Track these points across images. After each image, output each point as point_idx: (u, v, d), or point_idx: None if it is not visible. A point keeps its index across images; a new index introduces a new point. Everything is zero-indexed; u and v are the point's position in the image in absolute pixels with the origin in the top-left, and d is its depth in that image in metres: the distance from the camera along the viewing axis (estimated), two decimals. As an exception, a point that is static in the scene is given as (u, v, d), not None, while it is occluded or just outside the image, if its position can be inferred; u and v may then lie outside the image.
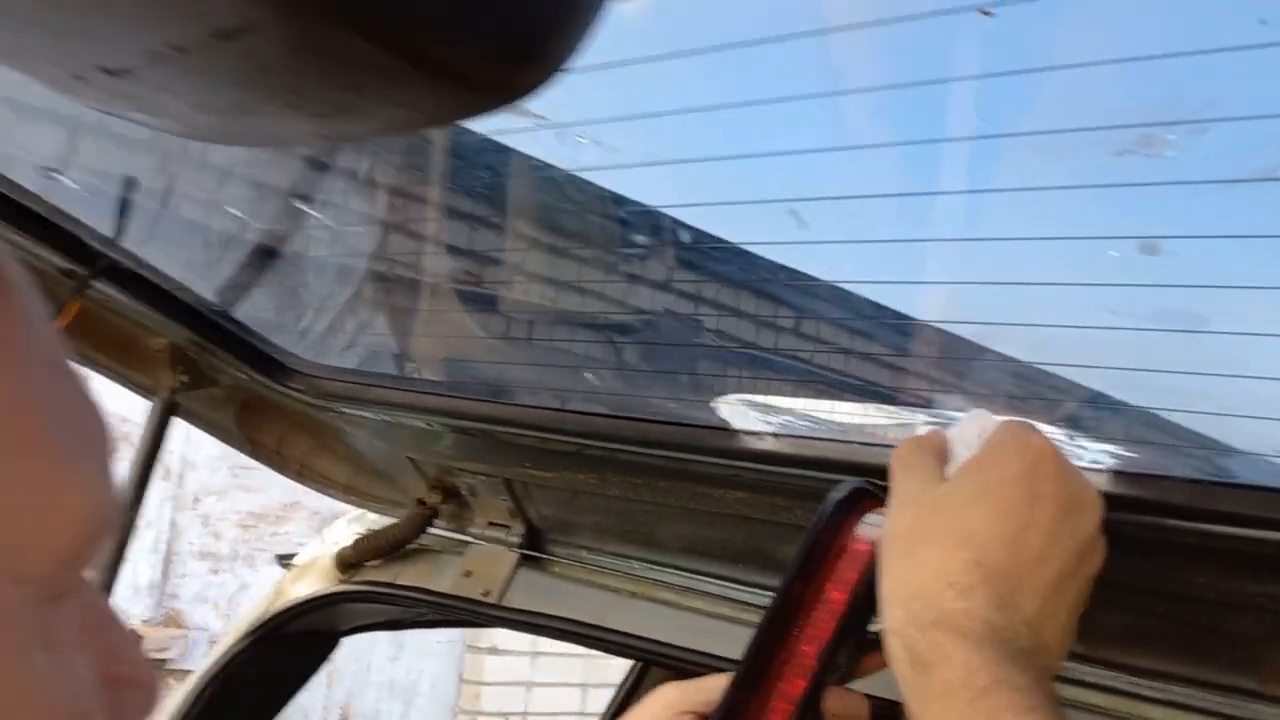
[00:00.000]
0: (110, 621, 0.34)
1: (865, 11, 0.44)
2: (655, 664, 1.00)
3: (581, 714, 4.94)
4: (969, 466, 0.66)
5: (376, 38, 0.34)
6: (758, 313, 0.83)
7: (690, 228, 0.77)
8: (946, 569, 0.62)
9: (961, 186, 0.53)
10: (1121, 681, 0.84)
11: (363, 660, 4.91)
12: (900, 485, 0.68)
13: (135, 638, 0.36)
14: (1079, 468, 0.68)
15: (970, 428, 0.70)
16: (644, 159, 0.60)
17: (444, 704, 5.06)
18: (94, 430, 0.32)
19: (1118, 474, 0.72)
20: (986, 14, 0.42)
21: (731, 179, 0.60)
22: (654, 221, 0.81)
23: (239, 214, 0.89)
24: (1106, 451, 0.69)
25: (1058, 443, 0.68)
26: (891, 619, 0.63)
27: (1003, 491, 0.63)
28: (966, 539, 0.62)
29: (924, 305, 0.66)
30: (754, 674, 0.73)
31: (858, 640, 0.75)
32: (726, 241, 0.78)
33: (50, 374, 0.31)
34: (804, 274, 0.75)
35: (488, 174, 0.97)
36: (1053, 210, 0.51)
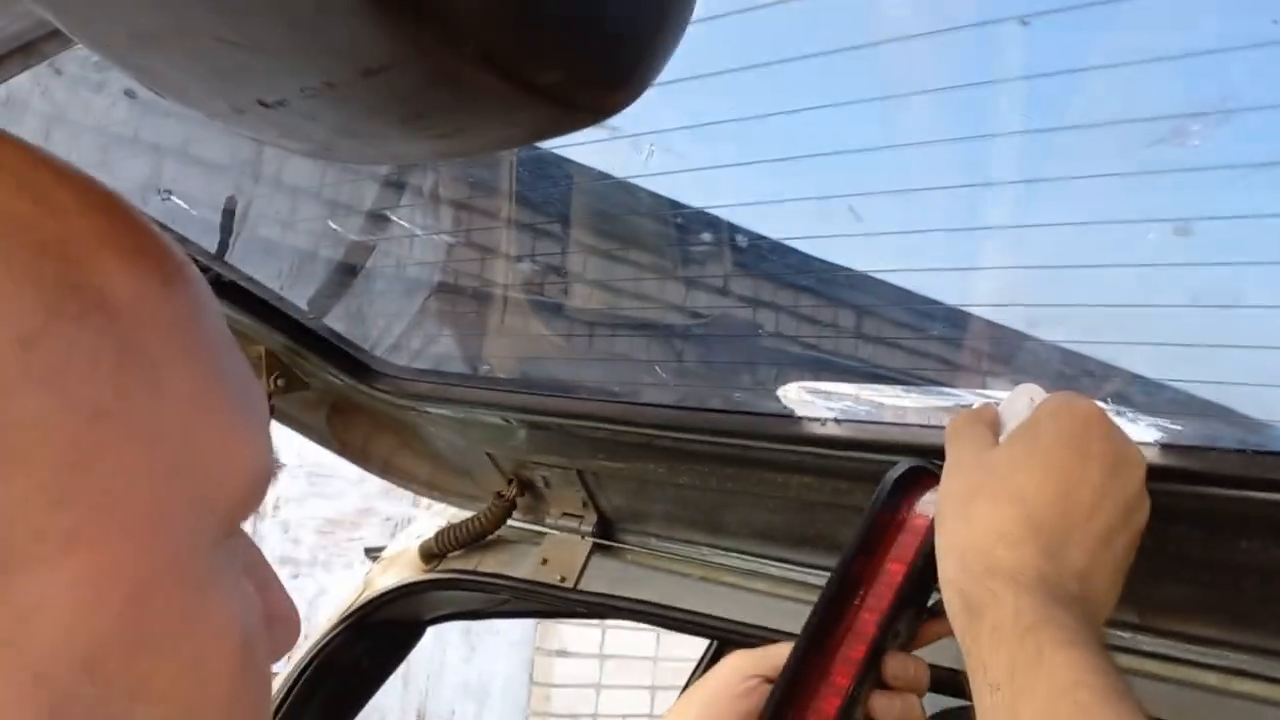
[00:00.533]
0: (263, 563, 0.40)
1: (921, 24, 0.49)
2: (724, 640, 1.04)
3: (650, 716, 5.00)
4: (1020, 431, 0.70)
5: (499, 69, 0.40)
6: (815, 306, 0.87)
7: (746, 231, 0.82)
8: (998, 524, 0.65)
9: (1009, 178, 0.57)
10: (1176, 649, 0.87)
11: (436, 662, 5.01)
12: (954, 452, 0.72)
13: (279, 580, 0.42)
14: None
15: (1020, 400, 0.74)
16: (709, 163, 0.66)
17: (515, 705, 5.14)
18: (256, 398, 0.38)
19: (1164, 447, 0.75)
20: (1024, 23, 0.46)
21: (789, 179, 0.65)
22: (713, 222, 0.86)
23: (335, 227, 0.96)
24: (1153, 425, 0.73)
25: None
26: (946, 571, 0.67)
27: (1053, 452, 0.67)
28: (1018, 496, 0.66)
29: (975, 292, 0.71)
30: (817, 640, 0.77)
31: (917, 610, 0.80)
32: (771, 239, 0.83)
33: (224, 347, 0.37)
34: (844, 268, 0.80)
35: (552, 186, 1.03)
36: (1094, 198, 0.56)
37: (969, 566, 0.65)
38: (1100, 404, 0.73)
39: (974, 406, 0.77)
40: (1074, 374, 0.69)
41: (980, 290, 0.70)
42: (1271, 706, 0.81)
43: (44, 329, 0.28)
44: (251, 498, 0.36)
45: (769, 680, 0.79)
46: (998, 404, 0.76)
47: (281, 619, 0.39)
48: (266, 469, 0.37)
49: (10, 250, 0.29)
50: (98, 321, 0.30)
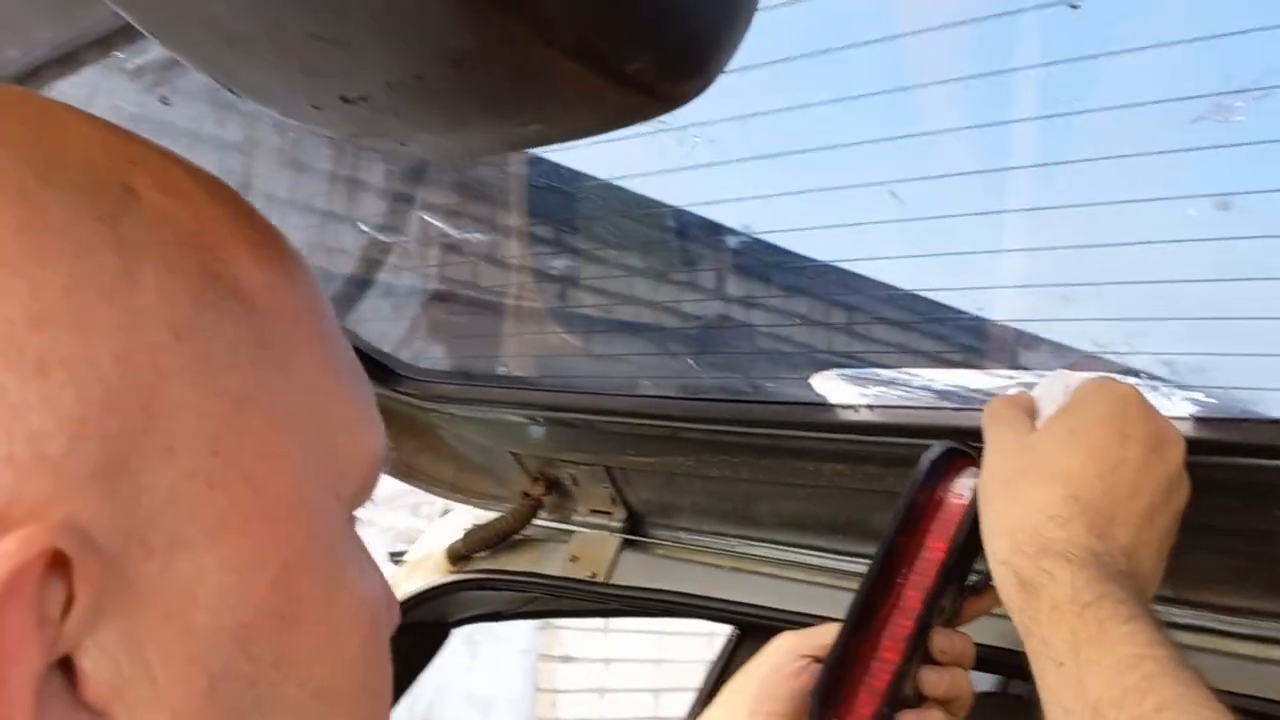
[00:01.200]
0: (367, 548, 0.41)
1: (974, 8, 0.51)
2: (760, 627, 1.05)
3: (654, 717, 5.01)
4: (1061, 414, 0.72)
5: (589, 57, 0.42)
6: (844, 294, 0.89)
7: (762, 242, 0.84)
8: (1046, 504, 0.67)
9: (1048, 159, 0.59)
10: (1209, 620, 0.89)
11: (442, 672, 5.01)
12: (995, 435, 0.74)
13: None
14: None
15: (1055, 385, 0.76)
16: (752, 153, 0.67)
17: (521, 713, 5.14)
18: (366, 383, 0.39)
19: (1198, 420, 0.77)
20: (1074, 6, 0.48)
21: (830, 167, 0.67)
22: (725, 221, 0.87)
23: (365, 228, 0.97)
24: (1187, 399, 0.75)
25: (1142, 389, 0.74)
26: (998, 550, 0.69)
27: (1094, 433, 0.68)
28: (1063, 476, 0.67)
29: (1011, 273, 0.72)
30: (864, 618, 0.79)
31: (959, 587, 0.81)
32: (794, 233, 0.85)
33: (338, 335, 0.38)
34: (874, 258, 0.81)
35: (563, 198, 1.04)
36: (1136, 176, 0.57)
37: (1021, 546, 0.66)
38: (1136, 383, 0.74)
39: (1009, 392, 0.78)
40: (1105, 351, 0.70)
41: (1017, 271, 0.72)
42: (1309, 672, 0.83)
43: (193, 319, 0.29)
44: (371, 480, 0.37)
45: (818, 660, 0.80)
46: (1032, 389, 0.78)
47: (389, 602, 0.40)
48: (383, 452, 0.38)
49: (156, 243, 0.30)
50: (236, 311, 0.31)
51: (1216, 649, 0.89)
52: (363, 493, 0.37)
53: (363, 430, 0.36)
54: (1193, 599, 0.90)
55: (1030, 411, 0.76)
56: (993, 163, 0.62)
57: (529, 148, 0.49)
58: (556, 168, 0.97)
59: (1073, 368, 0.80)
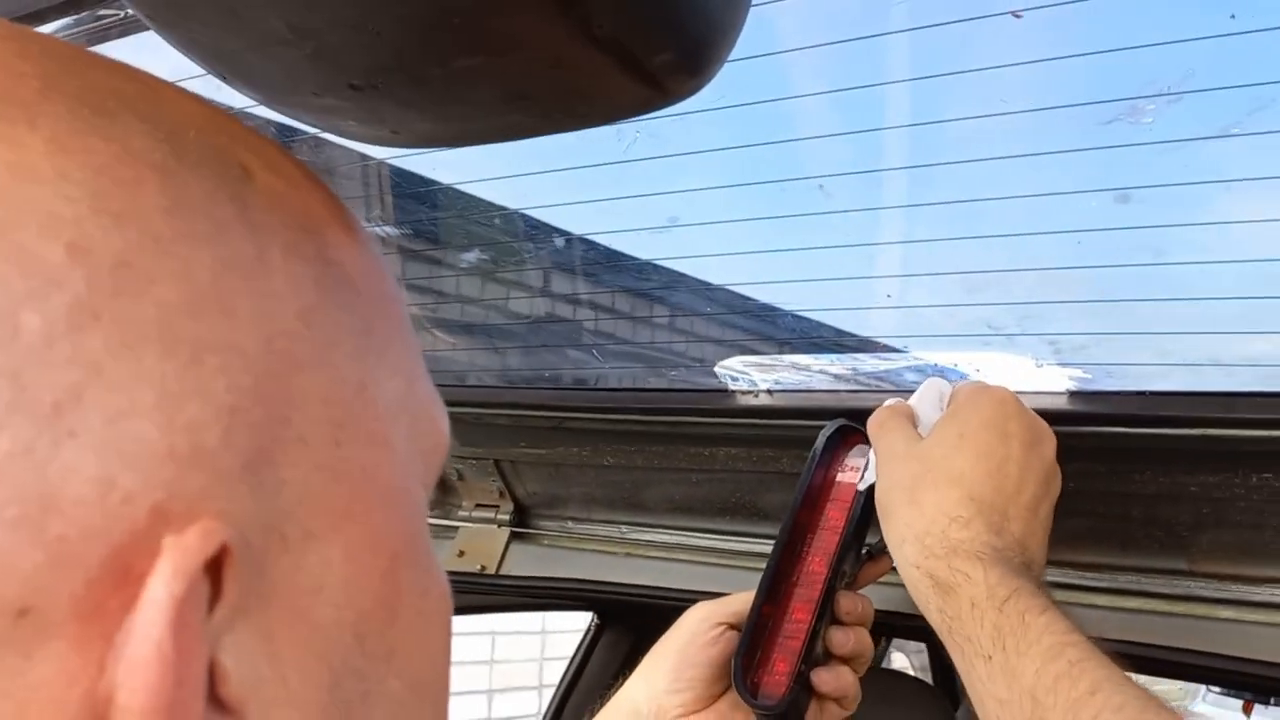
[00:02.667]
0: None
1: (909, 19, 0.55)
2: (660, 606, 1.08)
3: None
4: (946, 421, 0.77)
5: (619, 50, 0.44)
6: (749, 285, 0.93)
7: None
8: (947, 507, 0.72)
9: (974, 156, 0.65)
10: (1071, 576, 0.99)
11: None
12: (884, 445, 0.79)
13: None
14: (1044, 400, 0.82)
15: (930, 392, 0.82)
16: (695, 148, 0.70)
17: None
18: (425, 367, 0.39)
19: (1073, 393, 0.86)
20: (1017, 16, 0.53)
21: (760, 165, 0.71)
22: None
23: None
24: (1065, 376, 0.83)
25: (1030, 374, 0.81)
26: (909, 556, 0.73)
27: (979, 435, 0.74)
28: (957, 479, 0.72)
29: (922, 261, 0.78)
30: (776, 586, 0.84)
31: (856, 553, 0.87)
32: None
33: (411, 321, 0.38)
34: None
35: (430, 210, 1.04)
36: (1047, 173, 0.64)
37: (931, 549, 0.71)
38: (1022, 362, 0.82)
39: (887, 403, 0.83)
40: (1018, 333, 0.77)
41: (924, 261, 0.78)
42: (1160, 617, 0.93)
43: (316, 305, 0.28)
44: (440, 468, 0.36)
45: (732, 626, 0.83)
46: (908, 398, 0.84)
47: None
48: (449, 439, 0.38)
49: (279, 225, 0.28)
50: (347, 296, 0.30)
51: (1078, 601, 0.98)
52: (435, 480, 0.36)
53: (438, 415, 0.35)
54: (1057, 558, 0.98)
55: (910, 417, 0.81)
56: (912, 160, 0.68)
57: (527, 136, 0.50)
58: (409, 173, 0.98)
59: None
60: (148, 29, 0.59)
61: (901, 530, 0.74)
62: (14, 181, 0.23)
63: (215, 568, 0.24)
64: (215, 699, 0.24)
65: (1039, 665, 0.61)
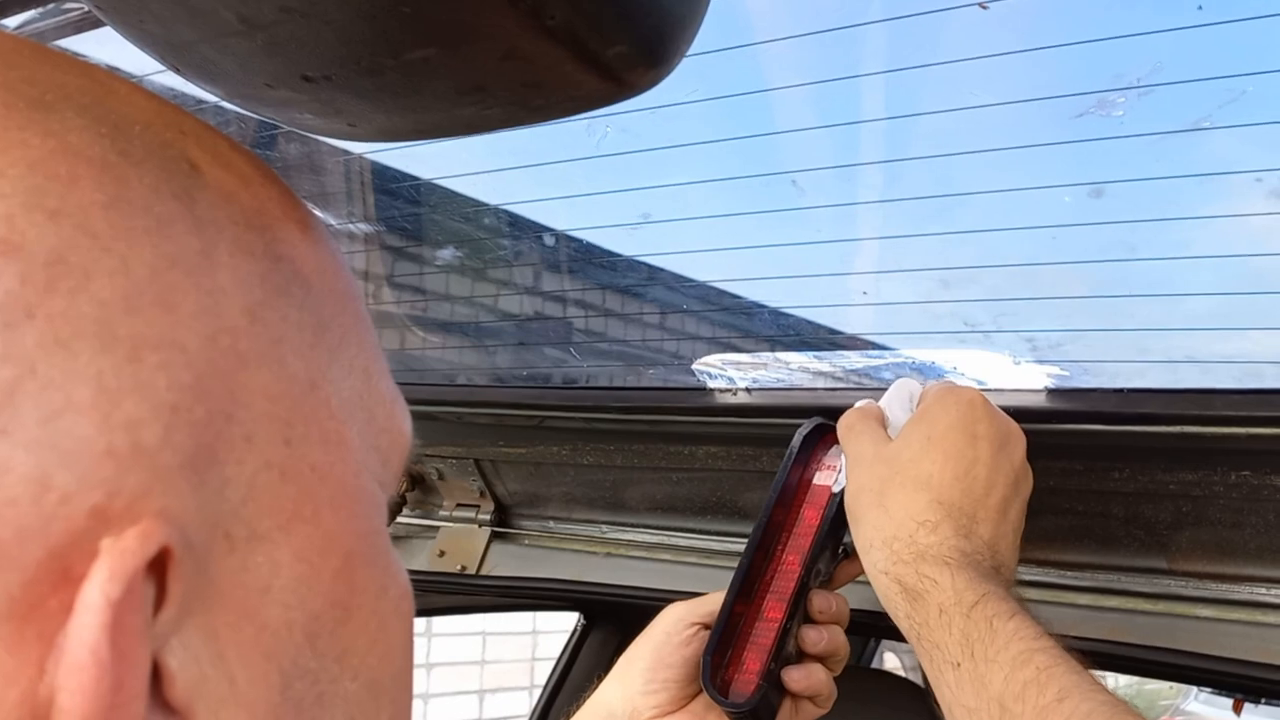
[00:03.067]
0: None
1: (879, 10, 0.55)
2: (643, 606, 1.08)
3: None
4: (915, 423, 0.76)
5: (573, 42, 0.43)
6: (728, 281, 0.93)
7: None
8: (915, 511, 0.71)
9: (947, 150, 0.64)
10: (1050, 575, 0.98)
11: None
12: (854, 448, 0.78)
13: None
14: (1021, 398, 0.81)
15: (900, 394, 0.81)
16: (668, 143, 0.70)
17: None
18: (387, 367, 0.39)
19: (1050, 391, 0.85)
20: (984, 7, 0.53)
21: (736, 160, 0.70)
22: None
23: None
24: (1043, 373, 0.83)
25: (1006, 371, 0.81)
26: (877, 562, 0.72)
27: (947, 438, 0.73)
28: (925, 483, 0.72)
29: (898, 258, 0.78)
30: (748, 584, 0.83)
31: (833, 552, 0.87)
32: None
33: (370, 319, 0.37)
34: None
35: (409, 206, 1.04)
36: (1020, 168, 0.63)
37: (899, 555, 0.70)
38: (998, 360, 0.81)
39: (857, 405, 0.83)
40: (992, 330, 0.77)
41: (900, 258, 0.78)
42: (1140, 615, 0.92)
43: (263, 302, 0.28)
44: (401, 466, 0.35)
45: (707, 626, 0.83)
46: (878, 399, 0.83)
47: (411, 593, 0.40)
48: (412, 436, 0.37)
49: (226, 222, 0.28)
50: (297, 293, 0.30)
51: (1057, 601, 0.97)
52: (395, 479, 0.36)
53: (398, 413, 0.35)
54: (1037, 557, 0.98)
55: (880, 419, 0.80)
56: (885, 154, 0.67)
57: (487, 130, 0.49)
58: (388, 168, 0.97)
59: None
60: (93, 29, 0.58)
61: (870, 535, 0.74)
62: None
63: (159, 568, 0.23)
64: (161, 701, 0.24)
65: (1007, 672, 0.61)
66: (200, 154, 0.29)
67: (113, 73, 0.31)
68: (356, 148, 1.03)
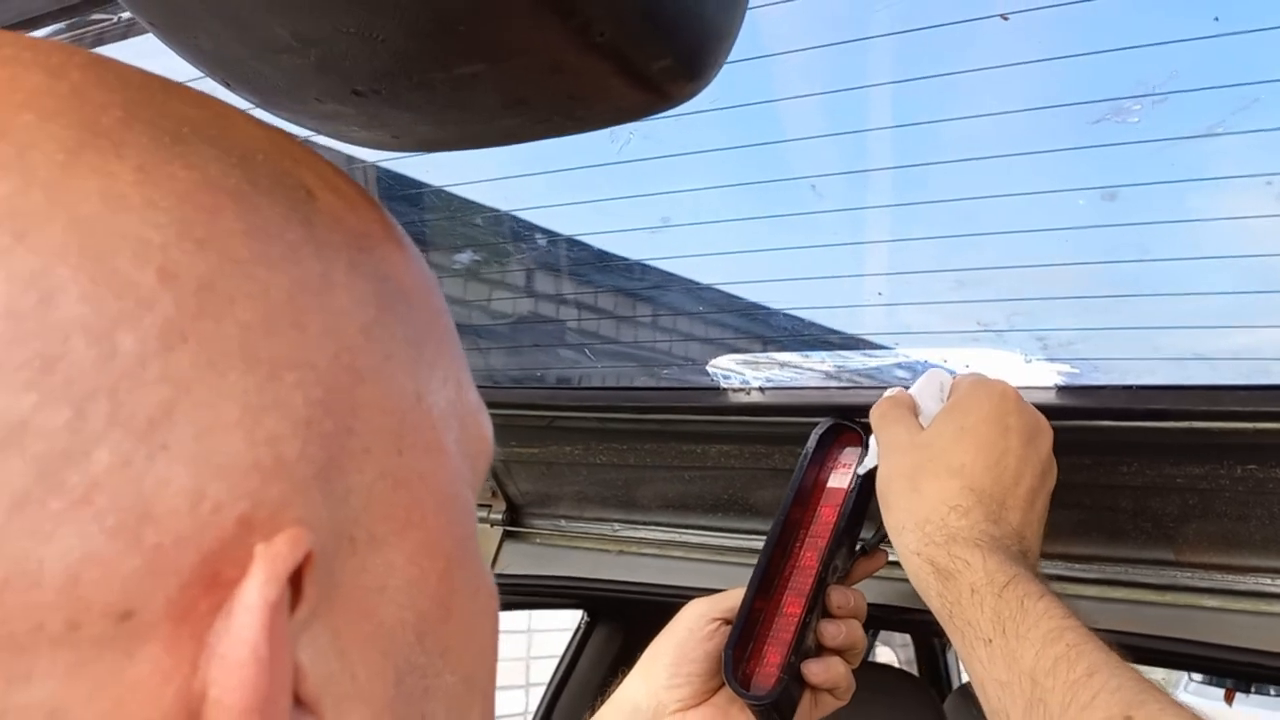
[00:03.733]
0: None
1: (900, 21, 0.56)
2: (651, 603, 1.09)
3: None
4: (948, 413, 0.78)
5: (615, 59, 0.44)
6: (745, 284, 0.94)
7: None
8: (947, 496, 0.73)
9: (966, 155, 0.66)
10: (1060, 567, 1.00)
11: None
12: (887, 435, 0.80)
13: None
14: (1033, 395, 0.83)
15: (931, 383, 0.83)
16: (690, 148, 0.71)
17: None
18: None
19: (1061, 388, 0.87)
20: (1005, 18, 0.54)
21: (755, 167, 0.72)
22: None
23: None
24: (1054, 371, 0.84)
25: (1018, 369, 0.83)
26: (909, 543, 0.74)
27: (980, 428, 0.76)
28: (958, 470, 0.74)
29: (914, 259, 0.79)
30: (767, 580, 0.85)
31: (850, 548, 0.89)
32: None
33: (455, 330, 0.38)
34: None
35: (420, 212, 1.05)
36: (1037, 172, 0.65)
37: (931, 536, 0.72)
38: (1010, 359, 0.83)
39: (887, 394, 0.85)
40: (1005, 329, 0.78)
41: (915, 259, 0.79)
42: (1147, 606, 0.94)
43: (375, 320, 0.29)
44: (486, 471, 0.37)
45: (728, 622, 0.84)
46: (908, 387, 0.85)
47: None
48: (493, 446, 0.39)
49: (340, 244, 0.29)
50: (402, 310, 0.31)
51: (1066, 593, 0.98)
52: (481, 484, 0.37)
53: (484, 422, 0.36)
54: (1046, 550, 0.99)
55: (912, 408, 0.82)
56: (906, 160, 0.69)
57: (526, 140, 0.51)
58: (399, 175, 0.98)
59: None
60: (142, 33, 0.59)
61: (902, 517, 0.76)
62: (107, 210, 0.24)
63: (296, 572, 0.25)
64: (294, 696, 0.25)
65: (1038, 648, 0.63)
66: (313, 180, 0.31)
67: (226, 103, 0.32)
68: (368, 155, 1.04)
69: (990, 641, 0.66)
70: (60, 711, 0.21)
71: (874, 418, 0.83)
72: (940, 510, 0.73)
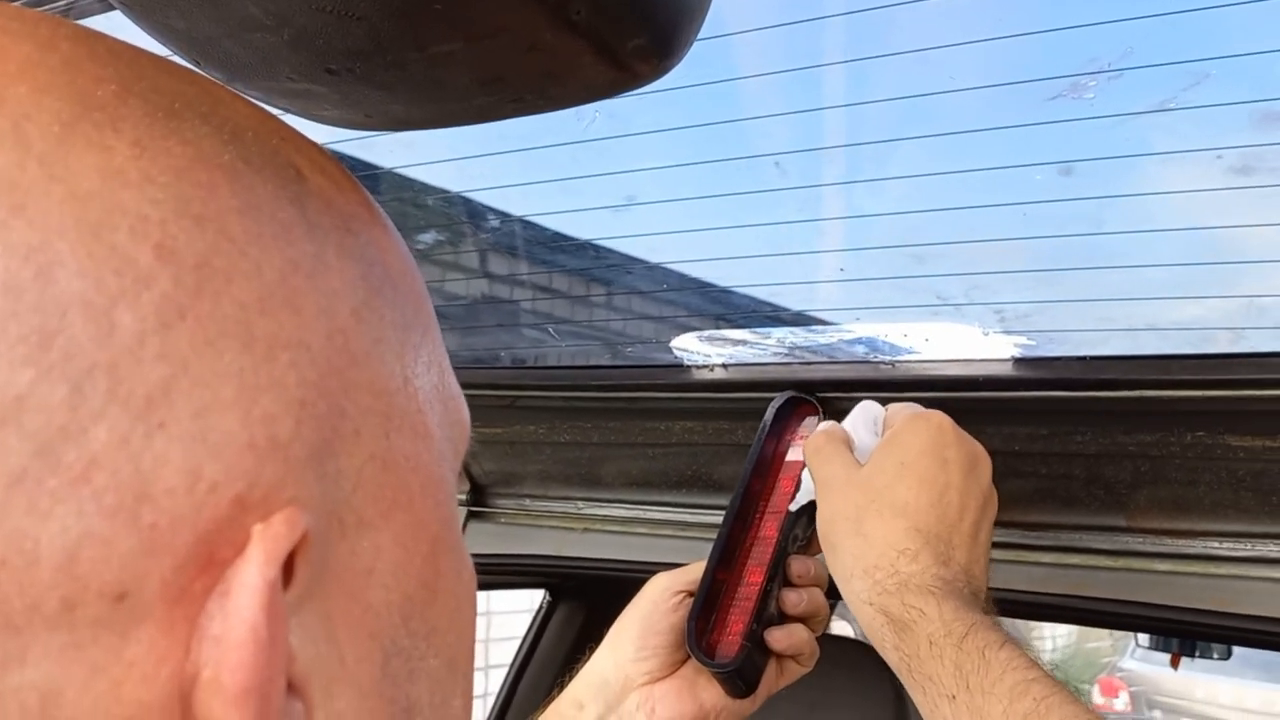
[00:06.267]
0: None
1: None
2: (614, 580, 1.10)
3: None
4: (886, 448, 0.77)
5: (590, 38, 0.45)
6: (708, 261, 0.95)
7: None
8: (894, 539, 0.71)
9: (926, 132, 0.67)
10: (1016, 536, 1.02)
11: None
12: (824, 471, 0.79)
13: None
14: (991, 367, 0.85)
15: (864, 416, 0.83)
16: (653, 127, 0.72)
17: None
18: None
19: (1017, 360, 0.89)
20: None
21: (716, 143, 0.73)
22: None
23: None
24: (1010, 343, 0.86)
25: (977, 342, 0.84)
26: (859, 592, 0.72)
27: (919, 463, 0.74)
28: (902, 510, 0.73)
29: (873, 235, 0.81)
30: (728, 552, 0.87)
31: (809, 518, 0.90)
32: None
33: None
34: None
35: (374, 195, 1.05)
36: (995, 148, 0.66)
37: (882, 584, 0.70)
38: (969, 331, 0.85)
39: (820, 428, 0.84)
40: (964, 303, 0.80)
41: (875, 234, 0.81)
42: (1101, 571, 0.97)
43: (365, 302, 0.29)
44: (464, 453, 0.37)
45: (692, 594, 0.85)
46: (841, 421, 0.84)
47: None
48: (470, 431, 0.39)
49: (330, 227, 0.29)
50: (389, 294, 0.31)
51: (1022, 560, 1.02)
52: (459, 467, 0.37)
53: (462, 406, 0.36)
54: (1003, 519, 1.02)
55: (847, 443, 0.81)
56: (864, 136, 0.70)
57: (499, 118, 0.51)
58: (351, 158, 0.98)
59: None
60: (107, 11, 0.58)
61: (849, 564, 0.74)
62: (105, 185, 0.24)
63: (289, 553, 0.25)
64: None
65: (1005, 704, 0.61)
66: (301, 160, 0.31)
67: (212, 80, 0.32)
68: (320, 136, 1.03)
69: (954, 698, 0.64)
70: (54, 694, 0.21)
71: (808, 454, 0.82)
72: (889, 555, 0.72)
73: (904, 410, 0.81)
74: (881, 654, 0.71)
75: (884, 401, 0.96)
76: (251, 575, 0.23)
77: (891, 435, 0.78)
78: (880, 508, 0.74)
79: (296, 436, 0.25)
